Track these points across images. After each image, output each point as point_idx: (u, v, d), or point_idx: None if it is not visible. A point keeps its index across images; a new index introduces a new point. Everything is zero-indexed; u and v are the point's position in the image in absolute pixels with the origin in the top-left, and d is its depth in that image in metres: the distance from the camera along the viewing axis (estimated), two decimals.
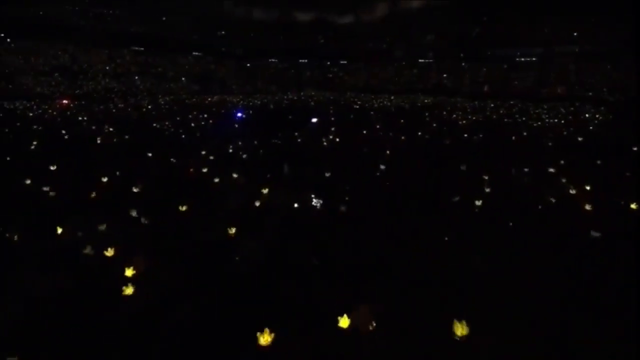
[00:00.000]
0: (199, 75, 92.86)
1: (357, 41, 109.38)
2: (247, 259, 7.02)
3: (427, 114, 36.01)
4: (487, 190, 10.55)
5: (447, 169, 13.42)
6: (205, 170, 12.46)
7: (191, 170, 12.60)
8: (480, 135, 21.56)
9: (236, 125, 25.71)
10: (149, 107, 42.67)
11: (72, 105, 48.46)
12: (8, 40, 73.38)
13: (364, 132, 22.41)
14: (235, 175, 11.44)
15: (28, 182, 10.92)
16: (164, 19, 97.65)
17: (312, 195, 9.33)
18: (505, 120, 32.67)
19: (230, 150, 16.24)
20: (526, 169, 13.32)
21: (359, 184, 11.55)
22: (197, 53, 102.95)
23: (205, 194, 10.43)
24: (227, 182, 11.34)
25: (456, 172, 12.98)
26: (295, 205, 9.42)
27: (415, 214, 9.12)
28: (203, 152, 15.39)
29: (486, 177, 12.16)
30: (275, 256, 7.18)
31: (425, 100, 58.13)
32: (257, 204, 9.67)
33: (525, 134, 23.67)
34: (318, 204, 9.25)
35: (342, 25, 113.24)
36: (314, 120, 26.34)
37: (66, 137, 20.26)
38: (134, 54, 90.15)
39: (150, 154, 15.10)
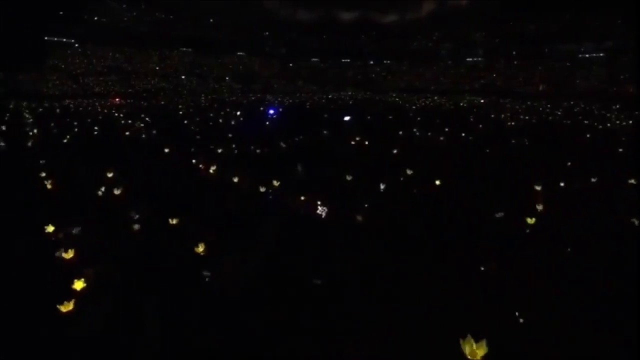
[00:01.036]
0: (242, 75, 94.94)
1: (402, 40, 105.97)
2: (227, 279, 5.85)
3: (471, 115, 33.11)
4: (540, 206, 8.52)
5: (490, 177, 11.41)
6: (213, 168, 11.55)
7: (201, 167, 11.82)
8: (534, 139, 18.83)
9: (267, 123, 25.01)
10: (189, 104, 43.74)
11: (121, 103, 51.21)
12: (76, 45, 79.60)
13: (399, 132, 20.57)
14: (236, 178, 10.36)
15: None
16: (211, 20, 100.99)
17: (318, 202, 7.98)
18: (566, 122, 28.99)
19: (252, 147, 15.34)
20: (593, 180, 10.96)
21: (383, 190, 10.01)
22: (241, 53, 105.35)
23: (204, 194, 9.51)
24: (230, 182, 10.31)
25: (502, 182, 10.93)
26: (301, 211, 8.14)
27: (446, 231, 7.46)
28: (220, 150, 14.63)
29: (539, 188, 10.06)
30: (267, 274, 5.96)
31: (473, 101, 54.30)
32: (256, 207, 8.52)
33: (589, 136, 20.52)
34: (323, 213, 7.88)
35: (386, 24, 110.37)
36: (347, 118, 24.93)
37: (97, 132, 20.70)
38: (182, 54, 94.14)
39: (167, 150, 14.63)
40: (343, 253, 6.70)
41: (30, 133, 19.55)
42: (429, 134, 20.13)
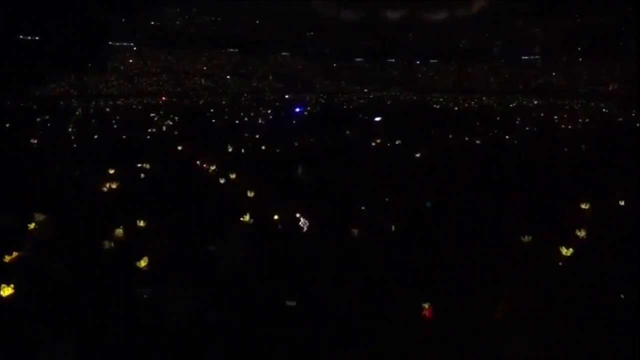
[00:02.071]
0: (284, 75, 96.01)
1: (450, 38, 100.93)
2: (185, 304, 5.06)
3: (521, 117, 29.91)
4: (581, 232, 6.76)
5: (526, 191, 9.61)
6: (212, 168, 10.96)
7: (204, 166, 11.31)
8: (593, 146, 16.08)
9: (294, 122, 24.36)
10: (228, 103, 44.55)
11: (167, 101, 53.60)
12: (134, 48, 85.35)
13: (431, 134, 18.83)
14: (222, 179, 9.63)
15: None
16: (257, 22, 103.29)
17: (299, 215, 6.98)
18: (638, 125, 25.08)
19: (263, 147, 14.67)
20: None
21: (389, 200, 8.74)
22: (285, 53, 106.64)
23: (192, 195, 8.89)
24: (221, 183, 9.61)
25: (540, 197, 9.10)
26: (288, 221, 7.20)
27: (458, 254, 6.11)
28: (230, 149, 14.12)
29: (586, 207, 8.21)
30: (235, 293, 5.12)
31: (525, 102, 49.69)
32: (240, 214, 7.70)
33: None
34: (305, 226, 6.87)
35: (434, 21, 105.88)
36: (377, 119, 23.55)
37: (125, 130, 21.29)
38: (228, 55, 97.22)
39: (180, 147, 14.42)
40: (324, 274, 5.68)
41: (68, 131, 20.53)
42: (466, 137, 18.17)
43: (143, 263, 5.89)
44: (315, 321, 4.72)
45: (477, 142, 16.77)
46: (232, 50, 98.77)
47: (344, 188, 9.56)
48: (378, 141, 15.93)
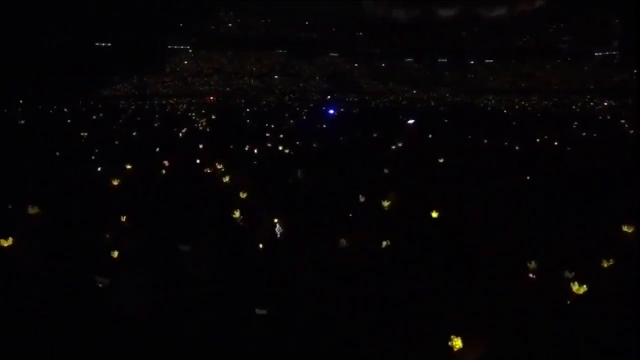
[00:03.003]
0: (332, 75, 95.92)
1: (509, 36, 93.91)
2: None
3: (580, 121, 26.46)
4: (607, 263, 5.45)
5: (556, 208, 8.18)
6: (220, 167, 10.84)
7: (214, 165, 11.25)
8: None
9: (324, 123, 23.88)
10: (269, 103, 45.33)
11: (214, 101, 56.01)
12: (190, 50, 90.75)
13: (466, 138, 17.25)
14: (228, 176, 9.39)
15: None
16: (306, 23, 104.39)
17: (275, 220, 6.49)
18: None
19: (280, 147, 14.38)
20: None
21: (387, 208, 7.92)
22: (334, 54, 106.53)
23: (185, 193, 8.77)
24: (220, 182, 9.39)
25: (572, 216, 7.63)
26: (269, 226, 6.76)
27: (446, 277, 5.24)
28: (246, 148, 14.02)
29: (630, 231, 6.72)
30: (204, 301, 4.85)
31: (591, 103, 44.30)
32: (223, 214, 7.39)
33: None
34: (278, 233, 6.38)
35: (491, 18, 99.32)
36: (411, 121, 22.27)
37: (164, 126, 22.30)
38: (277, 56, 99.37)
39: (201, 145, 14.64)
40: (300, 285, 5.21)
41: (112, 128, 21.95)
42: (505, 142, 16.32)
43: (115, 255, 5.91)
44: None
45: (516, 147, 14.94)
46: (280, 51, 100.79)
47: (340, 194, 8.86)
48: (399, 144, 14.85)
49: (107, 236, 6.69)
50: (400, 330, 4.46)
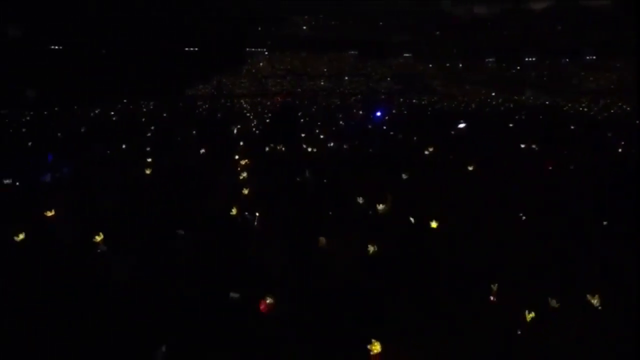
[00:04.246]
0: (404, 76, 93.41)
1: (614, 29, 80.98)
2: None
3: None
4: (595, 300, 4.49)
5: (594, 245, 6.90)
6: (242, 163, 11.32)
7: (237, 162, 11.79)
8: None
9: (369, 125, 23.37)
10: (333, 103, 45.80)
11: (283, 101, 58.39)
12: (265, 53, 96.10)
13: (520, 146, 15.39)
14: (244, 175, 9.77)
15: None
16: (380, 23, 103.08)
17: (245, 213, 6.61)
18: None
19: (305, 146, 14.50)
20: None
21: (384, 214, 7.52)
22: (407, 54, 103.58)
23: (193, 187, 9.34)
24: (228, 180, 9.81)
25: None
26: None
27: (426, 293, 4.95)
28: (268, 147, 14.42)
29: None
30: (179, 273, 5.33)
31: None
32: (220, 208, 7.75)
33: None
34: (257, 223, 6.52)
35: (592, 9, 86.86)
36: (461, 125, 20.59)
37: (218, 126, 23.88)
38: (349, 57, 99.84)
39: (241, 142, 15.39)
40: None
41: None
42: (565, 151, 14.06)
43: (98, 238, 6.54)
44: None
45: (571, 168, 12.69)
46: (352, 52, 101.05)
47: (341, 196, 8.62)
48: (431, 149, 13.81)
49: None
50: (325, 333, 4.37)
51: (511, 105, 43.34)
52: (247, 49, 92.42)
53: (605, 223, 7.15)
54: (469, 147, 14.62)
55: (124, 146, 16.19)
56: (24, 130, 22.99)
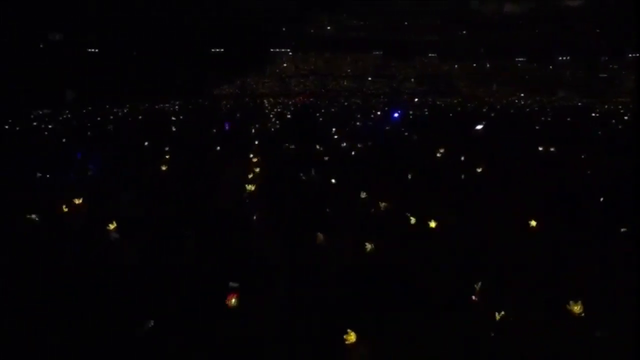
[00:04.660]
0: (427, 77, 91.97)
1: None
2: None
3: None
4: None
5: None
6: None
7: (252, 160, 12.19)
8: None
9: (385, 127, 23.28)
10: (347, 103, 45.76)
11: (303, 102, 58.95)
12: (290, 53, 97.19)
13: (538, 149, 14.91)
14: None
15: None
16: (405, 23, 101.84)
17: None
18: None
19: (317, 146, 14.72)
20: None
21: (380, 213, 7.63)
22: (432, 54, 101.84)
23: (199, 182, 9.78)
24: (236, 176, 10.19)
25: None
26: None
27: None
28: (290, 147, 14.72)
29: None
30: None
31: None
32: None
33: None
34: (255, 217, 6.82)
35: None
36: (479, 127, 20.12)
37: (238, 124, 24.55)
38: (373, 58, 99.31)
39: (256, 141, 15.79)
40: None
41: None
42: (582, 155, 13.44)
43: (112, 226, 7.10)
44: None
45: (589, 172, 12.12)
46: (376, 52, 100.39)
47: (343, 195, 8.79)
48: (442, 151, 13.63)
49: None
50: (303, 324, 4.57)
51: (536, 108, 41.75)
52: (272, 49, 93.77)
53: (621, 230, 6.90)
54: (482, 148, 14.33)
55: (146, 143, 17.02)
56: (60, 127, 24.72)
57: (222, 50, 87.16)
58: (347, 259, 6.31)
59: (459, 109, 38.73)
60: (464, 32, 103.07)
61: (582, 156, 12.85)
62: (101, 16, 68.02)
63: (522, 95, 75.63)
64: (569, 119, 29.27)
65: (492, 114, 33.40)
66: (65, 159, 13.33)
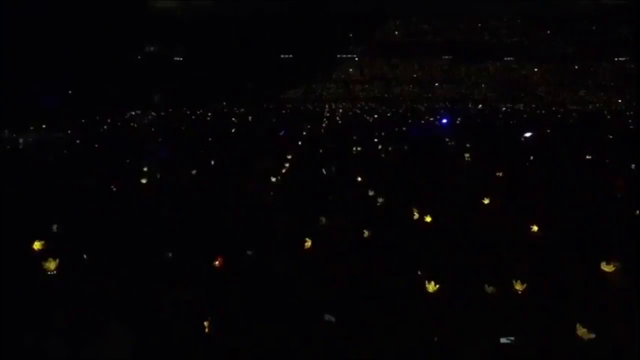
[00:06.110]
0: (502, 82, 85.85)
1: None
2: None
3: None
4: None
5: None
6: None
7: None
8: None
9: (430, 132, 22.98)
10: (405, 109, 44.93)
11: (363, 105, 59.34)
12: (356, 59, 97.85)
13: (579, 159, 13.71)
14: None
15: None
16: (479, 25, 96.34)
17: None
18: None
19: (352, 146, 15.36)
20: None
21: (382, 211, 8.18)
22: (508, 58, 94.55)
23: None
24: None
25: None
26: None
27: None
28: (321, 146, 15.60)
29: None
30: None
31: None
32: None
33: None
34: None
35: None
36: (527, 134, 18.96)
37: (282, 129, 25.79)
38: (442, 62, 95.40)
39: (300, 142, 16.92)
40: None
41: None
42: (607, 160, 11.94)
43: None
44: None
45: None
46: (446, 57, 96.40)
47: (358, 191, 9.46)
48: (467, 155, 13.29)
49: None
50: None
51: (630, 113, 36.84)
52: (338, 55, 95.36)
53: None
54: (523, 156, 13.69)
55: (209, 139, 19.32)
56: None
57: (290, 56, 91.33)
58: (344, 240, 6.77)
59: (525, 115, 35.87)
60: (548, 32, 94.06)
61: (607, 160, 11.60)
62: (185, 30, 77.13)
63: (619, 101, 66.58)
64: None
65: (566, 120, 30.50)
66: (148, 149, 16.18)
